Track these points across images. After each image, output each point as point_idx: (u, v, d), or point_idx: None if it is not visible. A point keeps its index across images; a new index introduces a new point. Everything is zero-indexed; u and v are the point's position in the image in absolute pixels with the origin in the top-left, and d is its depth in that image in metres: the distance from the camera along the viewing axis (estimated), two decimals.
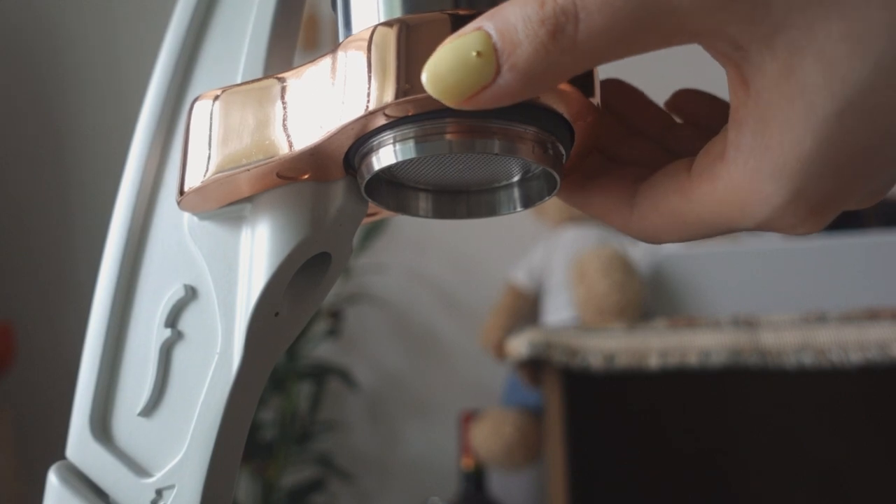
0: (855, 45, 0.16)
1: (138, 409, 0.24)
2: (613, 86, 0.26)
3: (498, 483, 1.22)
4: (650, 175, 0.22)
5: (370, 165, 0.21)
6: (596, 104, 0.21)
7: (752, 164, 0.18)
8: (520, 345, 0.94)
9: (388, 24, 0.19)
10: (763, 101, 0.18)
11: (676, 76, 0.27)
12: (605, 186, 0.23)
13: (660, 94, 0.27)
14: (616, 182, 0.23)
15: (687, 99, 0.26)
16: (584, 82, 0.21)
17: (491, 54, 0.17)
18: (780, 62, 0.17)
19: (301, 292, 0.24)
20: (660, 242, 0.23)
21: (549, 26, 0.17)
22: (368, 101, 0.19)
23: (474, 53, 0.17)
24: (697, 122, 0.26)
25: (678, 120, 0.26)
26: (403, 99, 0.19)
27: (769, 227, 0.19)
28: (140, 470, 0.23)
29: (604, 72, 0.23)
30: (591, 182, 0.24)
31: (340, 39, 0.21)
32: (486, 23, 0.18)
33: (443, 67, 0.18)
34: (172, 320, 0.24)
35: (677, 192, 0.21)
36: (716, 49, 0.18)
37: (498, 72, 0.17)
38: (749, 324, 0.88)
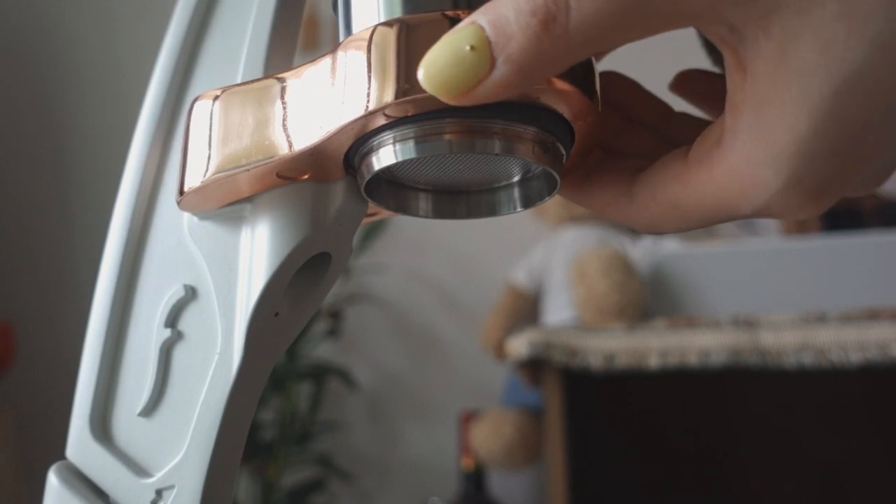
0: (850, 24, 0.16)
1: (138, 410, 0.24)
2: (610, 78, 0.26)
3: (498, 483, 1.22)
4: (647, 166, 0.22)
5: (370, 165, 0.21)
6: (596, 104, 0.21)
7: (749, 149, 0.18)
8: (520, 345, 0.94)
9: (388, 24, 0.19)
10: (759, 84, 0.18)
11: (672, 67, 0.27)
12: (605, 180, 0.23)
13: (657, 88, 0.27)
14: (615, 175, 0.23)
15: (690, 79, 0.26)
16: (583, 82, 0.20)
17: (485, 48, 0.17)
18: (775, 44, 0.17)
19: (301, 292, 0.24)
20: (661, 233, 0.22)
21: (540, 16, 0.17)
22: (368, 101, 0.19)
23: (468, 47, 0.17)
24: (703, 100, 0.26)
25: (684, 101, 0.26)
26: (403, 99, 0.19)
27: (768, 212, 0.19)
28: (140, 470, 0.23)
29: (601, 64, 0.23)
30: (590, 177, 0.24)
31: (341, 40, 0.21)
32: (480, 17, 0.18)
33: (438, 63, 0.18)
34: (172, 320, 0.24)
35: (675, 181, 0.21)
36: (712, 32, 0.18)
37: (492, 65, 0.17)
38: (749, 324, 0.88)
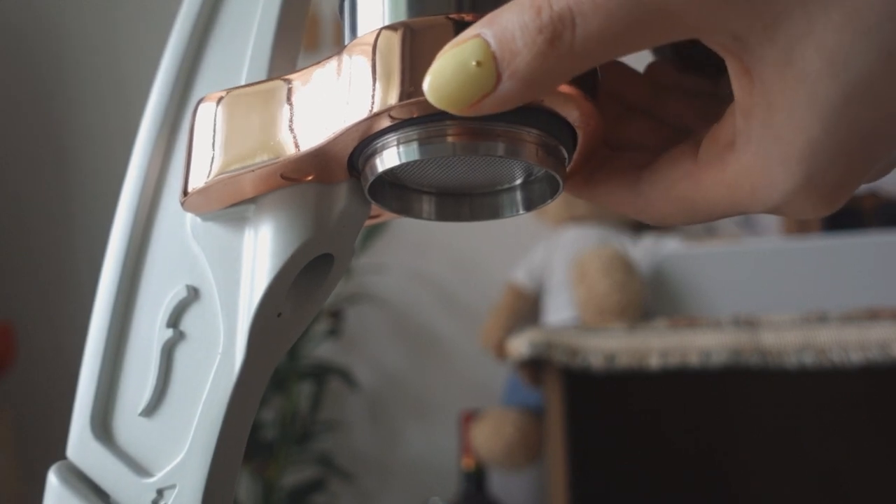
0: (855, 33, 0.16)
1: (140, 409, 0.24)
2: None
3: (498, 483, 1.22)
4: (651, 160, 0.22)
5: (374, 167, 0.21)
6: (599, 107, 0.21)
7: (762, 151, 0.19)
8: (520, 345, 0.94)
9: (392, 27, 0.20)
10: (767, 89, 0.18)
11: None
12: (610, 176, 0.24)
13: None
14: (619, 171, 0.23)
15: (659, 71, 0.26)
16: (587, 85, 0.21)
17: (490, 63, 0.17)
18: (780, 51, 0.17)
19: (303, 293, 0.24)
20: (669, 225, 0.23)
21: (547, 34, 0.17)
22: (373, 104, 0.19)
23: (474, 63, 0.18)
24: (673, 92, 0.26)
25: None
26: (407, 101, 0.19)
27: (780, 211, 0.20)
28: (141, 470, 0.23)
29: None
30: (595, 173, 0.24)
31: (346, 43, 0.21)
32: (484, 30, 0.18)
33: (443, 78, 0.18)
34: (174, 320, 0.24)
35: (685, 179, 0.21)
36: (714, 41, 0.18)
37: (498, 80, 0.18)
38: (750, 324, 0.88)
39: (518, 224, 1.29)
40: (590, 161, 0.24)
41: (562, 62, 0.17)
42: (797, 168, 0.18)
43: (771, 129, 0.18)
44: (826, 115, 0.17)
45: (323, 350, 1.44)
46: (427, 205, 0.24)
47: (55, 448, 0.26)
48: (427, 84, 0.18)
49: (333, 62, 0.21)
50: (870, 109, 0.17)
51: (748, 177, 0.19)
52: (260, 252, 0.23)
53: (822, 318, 0.87)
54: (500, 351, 1.19)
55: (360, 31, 0.21)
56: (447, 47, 0.18)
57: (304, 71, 0.22)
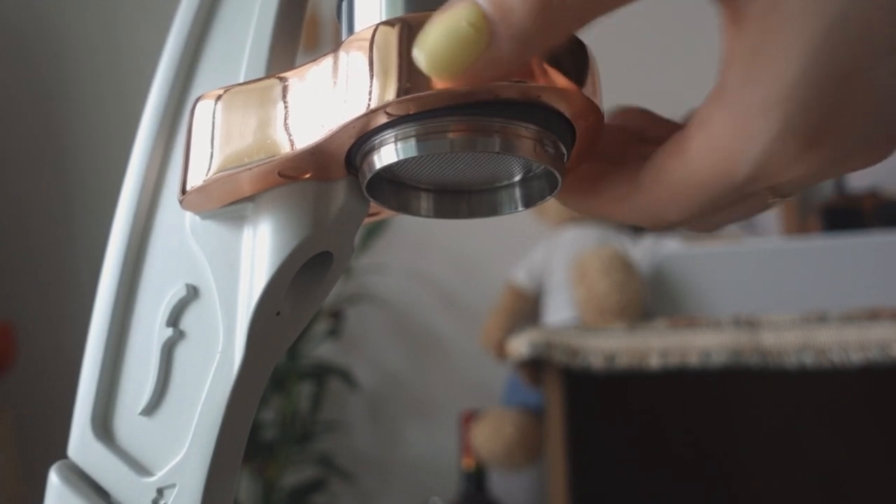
0: None
1: (140, 408, 0.24)
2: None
3: (498, 483, 1.22)
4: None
5: (371, 164, 0.21)
6: (597, 103, 0.21)
7: (740, 99, 0.18)
8: (520, 345, 0.94)
9: (389, 23, 0.19)
10: (751, 35, 0.18)
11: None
12: (613, 182, 0.23)
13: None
14: (623, 176, 0.23)
15: (630, 115, 0.26)
16: (584, 80, 0.20)
17: (482, 22, 0.17)
18: None
19: (303, 291, 0.24)
20: (667, 221, 0.22)
21: None
22: (370, 100, 0.19)
23: (465, 24, 0.17)
24: (641, 138, 0.26)
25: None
26: (405, 97, 0.19)
27: (765, 168, 0.19)
28: (141, 469, 0.23)
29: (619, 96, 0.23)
30: (598, 184, 0.24)
31: (343, 40, 0.21)
32: None
33: (435, 41, 0.17)
34: (174, 319, 0.24)
35: (673, 155, 0.21)
36: None
37: (491, 40, 0.17)
38: (750, 324, 0.88)
39: (518, 224, 1.30)
40: (590, 163, 0.24)
41: (556, 15, 0.17)
42: (774, 113, 0.18)
43: (750, 76, 0.18)
44: (804, 53, 0.17)
45: (323, 350, 1.45)
46: (425, 202, 0.24)
47: (55, 448, 0.26)
48: (417, 51, 0.17)
49: (330, 59, 0.21)
50: (849, 43, 0.17)
51: (727, 131, 0.19)
52: (259, 250, 0.23)
53: (822, 319, 0.87)
54: (500, 351, 1.19)
55: (357, 27, 0.21)
56: (436, 14, 0.18)
57: (301, 68, 0.22)
